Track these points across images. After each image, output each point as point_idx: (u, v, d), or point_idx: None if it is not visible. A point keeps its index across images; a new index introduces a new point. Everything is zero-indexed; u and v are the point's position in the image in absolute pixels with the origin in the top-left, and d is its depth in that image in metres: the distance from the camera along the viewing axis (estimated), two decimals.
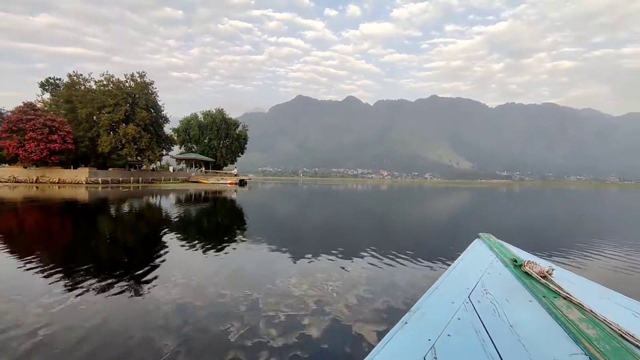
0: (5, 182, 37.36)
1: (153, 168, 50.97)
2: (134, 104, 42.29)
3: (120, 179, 40.86)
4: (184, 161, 67.31)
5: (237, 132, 74.37)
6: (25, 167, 38.32)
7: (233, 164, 76.60)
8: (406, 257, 6.39)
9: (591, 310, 1.23)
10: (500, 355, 1.04)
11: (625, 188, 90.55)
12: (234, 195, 28.08)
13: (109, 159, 46.75)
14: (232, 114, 79.21)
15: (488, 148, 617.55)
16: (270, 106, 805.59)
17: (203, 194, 29.45)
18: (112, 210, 15.41)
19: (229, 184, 49.37)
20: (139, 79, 43.40)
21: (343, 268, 5.60)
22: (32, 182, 37.17)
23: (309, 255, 6.44)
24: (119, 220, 12.42)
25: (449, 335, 1.18)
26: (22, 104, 36.92)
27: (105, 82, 41.85)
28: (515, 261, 1.82)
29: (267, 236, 8.81)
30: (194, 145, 72.07)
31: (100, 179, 38.05)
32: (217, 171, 63.30)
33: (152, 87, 44.97)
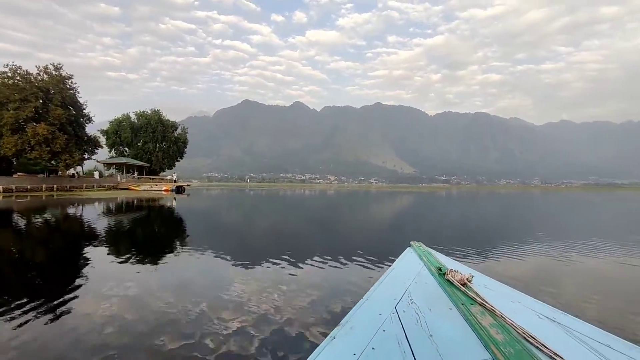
0: None
1: (73, 174, 44.93)
2: (47, 100, 36.56)
3: (29, 187, 34.95)
4: (114, 166, 60.88)
5: (176, 134, 69.06)
6: None
7: (171, 169, 70.96)
8: (354, 261, 6.36)
9: (502, 315, 1.34)
10: None
11: (546, 190, 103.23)
12: (172, 203, 25.15)
13: (24, 164, 40.30)
14: (175, 117, 74.11)
15: (429, 154, 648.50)
16: (216, 110, 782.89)
17: (135, 202, 25.97)
18: (14, 225, 12.78)
19: (164, 190, 44.93)
20: (53, 72, 37.67)
21: (290, 274, 5.47)
22: None
23: (255, 263, 6.26)
24: (26, 236, 10.24)
25: (373, 348, 1.20)
26: None
27: (10, 74, 35.74)
28: (440, 269, 1.88)
29: (212, 245, 8.34)
30: (126, 149, 65.67)
31: (1, 187, 32.11)
32: (153, 177, 57.86)
33: (71, 82, 39.37)
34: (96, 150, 45.20)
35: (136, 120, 65.82)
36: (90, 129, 46.63)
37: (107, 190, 43.37)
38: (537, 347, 1.14)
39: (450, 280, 1.71)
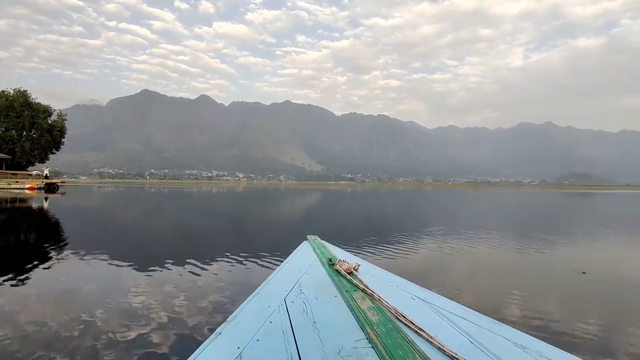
0: None
1: None
2: None
3: None
4: None
5: (50, 122, 57.05)
6: None
7: (43, 162, 58.59)
8: (258, 257, 6.12)
9: (379, 299, 1.43)
10: (299, 352, 1.12)
11: (437, 187, 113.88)
12: (43, 204, 19.13)
13: None
14: (59, 104, 62.55)
15: (336, 152, 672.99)
16: (110, 99, 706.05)
17: None
18: None
19: (28, 189, 35.93)
20: None
21: (192, 276, 4.99)
22: None
23: (155, 265, 5.60)
24: None
25: (257, 340, 1.23)
26: None
27: None
28: (331, 260, 1.94)
29: (102, 250, 6.90)
30: None
31: None
32: (16, 172, 46.44)
33: None
34: None
35: None
36: None
37: None
38: (406, 325, 1.25)
39: (338, 269, 1.79)
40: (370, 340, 1.15)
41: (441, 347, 1.11)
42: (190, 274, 5.25)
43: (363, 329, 1.23)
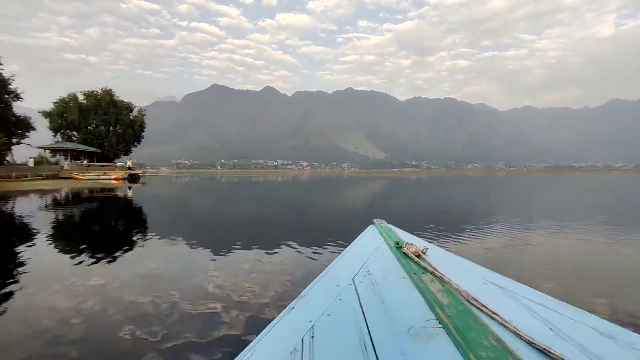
0: None
1: (1, 161, 38.28)
2: None
3: None
4: (61, 153, 53.78)
5: (132, 117, 62.18)
6: None
7: (127, 155, 64.18)
8: (325, 243, 6.23)
9: (449, 282, 1.44)
10: (368, 328, 1.17)
11: (510, 174, 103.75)
12: (127, 193, 21.58)
13: None
14: (141, 102, 67.89)
15: (400, 139, 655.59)
16: (184, 94, 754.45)
17: (79, 193, 20.76)
18: None
19: (114, 179, 39.30)
20: None
21: (262, 259, 5.29)
22: None
23: (227, 250, 5.93)
24: None
25: (328, 315, 1.30)
26: None
27: None
28: (398, 243, 1.97)
29: (179, 234, 7.53)
30: (74, 133, 58.45)
31: None
32: (105, 164, 51.35)
33: None
34: (27, 134, 38.61)
35: (85, 101, 58.56)
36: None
37: (43, 180, 37.16)
38: (478, 308, 1.24)
39: (406, 252, 1.81)
40: (440, 321, 1.16)
41: (517, 331, 1.08)
42: (260, 257, 5.52)
43: (433, 309, 1.24)
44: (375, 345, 1.08)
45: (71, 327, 3.15)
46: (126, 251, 6.29)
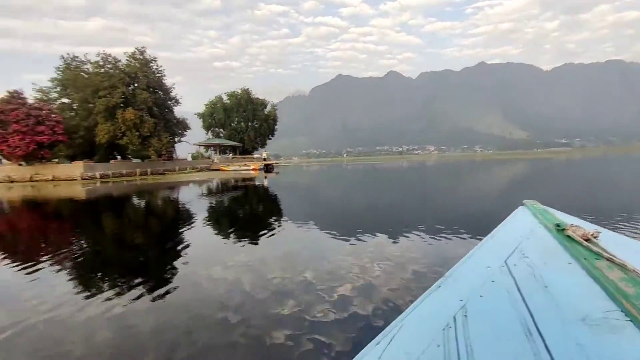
0: (0, 182, 33.54)
1: (169, 157, 45.89)
2: (133, 84, 36.71)
3: (124, 172, 35.79)
4: (211, 148, 62.18)
5: (266, 112, 67.92)
6: (20, 165, 34.23)
7: (264, 147, 70.58)
8: (458, 231, 6.13)
9: (634, 270, 1.24)
10: (531, 313, 1.08)
11: None
12: (264, 182, 24.86)
13: (132, 151, 41.76)
14: (274, 98, 73.87)
15: (544, 115, 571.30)
16: (311, 88, 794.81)
17: (225, 182, 24.96)
18: (116, 208, 14.18)
19: (252, 169, 43.40)
20: (139, 56, 37.59)
21: (392, 243, 5.47)
22: (27, 181, 33.03)
23: (355, 235, 6.15)
24: (130, 219, 11.02)
25: (481, 296, 1.23)
26: (6, 93, 32.35)
27: (101, 63, 36.46)
28: (558, 225, 1.80)
29: (311, 219, 8.23)
30: (221, 130, 66.75)
31: (97, 174, 33.08)
32: (245, 156, 57.42)
33: (155, 65, 39.12)
34: (185, 133, 45.29)
35: (228, 101, 66.17)
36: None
37: (198, 172, 43.31)
38: None
39: (571, 235, 1.61)
40: (627, 313, 1.02)
41: None
42: (389, 242, 5.66)
43: (614, 299, 1.10)
44: (541, 331, 0.99)
45: (228, 296, 3.77)
46: (266, 233, 7.03)
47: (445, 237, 5.79)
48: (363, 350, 1.07)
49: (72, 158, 39.17)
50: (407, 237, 5.97)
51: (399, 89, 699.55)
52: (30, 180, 33.11)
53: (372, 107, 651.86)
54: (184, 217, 10.44)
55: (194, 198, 16.52)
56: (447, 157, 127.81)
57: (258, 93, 68.94)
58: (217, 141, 57.20)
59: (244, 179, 27.85)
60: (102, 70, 35.92)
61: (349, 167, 51.41)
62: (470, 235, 5.83)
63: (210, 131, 67.35)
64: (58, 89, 37.26)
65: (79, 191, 23.15)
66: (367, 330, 2.84)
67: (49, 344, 2.94)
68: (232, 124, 65.80)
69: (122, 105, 35.64)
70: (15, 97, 32.02)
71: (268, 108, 68.87)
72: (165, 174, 39.05)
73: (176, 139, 43.75)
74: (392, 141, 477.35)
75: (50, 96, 37.26)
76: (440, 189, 16.19)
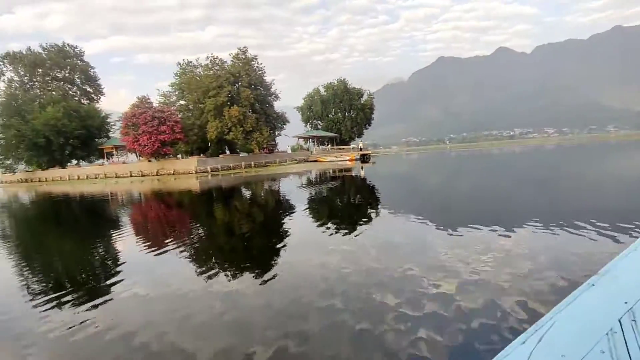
0: (135, 176, 39.14)
1: (271, 150, 48.45)
2: (237, 83, 39.35)
3: (231, 165, 38.80)
4: (310, 139, 64.10)
5: (362, 102, 67.31)
6: (149, 161, 39.45)
7: (360, 137, 70.25)
8: (584, 226, 5.32)
9: None
10: None
11: None
12: (360, 172, 24.92)
13: (240, 146, 45.31)
14: (372, 87, 73.23)
15: None
16: (410, 73, 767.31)
17: (323, 173, 25.76)
18: (228, 199, 15.42)
19: (349, 160, 43.40)
20: (242, 56, 40.12)
21: (503, 237, 5.11)
22: (154, 175, 37.95)
23: (459, 227, 5.86)
24: (239, 208, 11.78)
25: None
26: (136, 99, 37.50)
27: (210, 65, 39.85)
28: None
29: (410, 209, 8.15)
30: (319, 122, 68.25)
31: (208, 167, 36.44)
32: (342, 147, 57.87)
33: (256, 63, 41.31)
34: (284, 126, 47.13)
35: (325, 93, 67.20)
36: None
37: (297, 163, 44.89)
38: None
39: None
40: None
41: None
42: (498, 236, 5.20)
43: None
44: None
45: (330, 282, 3.89)
46: (364, 223, 7.19)
47: (577, 231, 5.11)
48: (506, 348, 1.00)
49: (191, 153, 43.83)
50: (519, 230, 5.48)
51: (509, 66, 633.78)
52: (157, 174, 37.99)
53: (478, 88, 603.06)
54: (285, 207, 10.87)
55: (293, 189, 17.27)
56: (571, 140, 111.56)
57: (355, 83, 68.68)
58: (314, 133, 58.61)
59: (340, 170, 28.00)
60: (211, 72, 39.19)
61: (452, 154, 48.88)
62: (614, 229, 5.02)
63: (308, 123, 69.42)
64: (177, 93, 41.72)
65: (193, 183, 25.86)
66: (472, 331, 2.68)
67: (179, 308, 3.55)
68: (329, 115, 66.62)
69: (228, 103, 38.50)
70: (144, 102, 36.86)
71: (364, 97, 68.13)
72: (267, 166, 41.32)
73: (276, 133, 45.77)
74: (501, 125, 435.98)
75: (171, 99, 41.98)
76: (567, 176, 14.61)
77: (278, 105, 47.71)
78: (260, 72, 42.02)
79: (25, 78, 54.32)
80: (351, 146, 54.49)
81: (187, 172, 36.03)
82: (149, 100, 37.66)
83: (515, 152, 42.07)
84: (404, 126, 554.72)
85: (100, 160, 50.78)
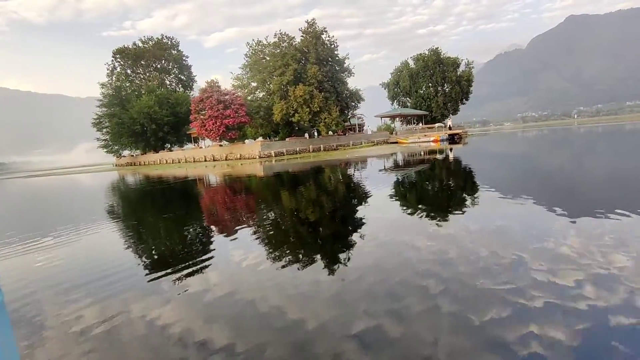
0: (208, 160, 39.55)
1: (343, 131, 44.79)
2: (304, 60, 36.42)
3: (298, 149, 36.44)
4: (398, 118, 58.60)
5: (459, 73, 58.73)
6: (220, 145, 39.40)
7: (455, 113, 61.90)
8: None
9: None
10: None
11: None
12: (449, 154, 21.16)
13: (311, 128, 43.28)
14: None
15: None
16: (530, 39, 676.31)
17: (395, 160, 21.08)
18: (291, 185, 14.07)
19: (433, 141, 37.81)
20: (309, 29, 36.90)
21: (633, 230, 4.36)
22: (224, 160, 37.72)
23: (581, 214, 5.32)
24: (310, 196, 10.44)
25: None
26: (205, 84, 37.21)
27: (278, 43, 37.57)
28: None
29: (523, 193, 7.13)
30: (407, 99, 61.94)
31: (273, 152, 34.58)
32: (429, 126, 51.32)
33: (327, 36, 37.71)
34: (358, 105, 42.94)
35: (414, 66, 60.42)
36: None
37: (373, 145, 40.70)
38: None
39: None
40: None
41: None
42: (632, 225, 4.60)
43: None
44: None
45: (432, 268, 3.68)
46: (469, 206, 6.70)
47: None
48: None
49: (265, 137, 42.90)
50: None
51: None
52: (226, 159, 37.66)
53: (619, 50, 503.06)
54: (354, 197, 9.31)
55: (339, 183, 13.37)
56: None
57: (464, 54, 60.32)
58: (398, 111, 53.06)
59: (421, 154, 23.62)
60: (278, 50, 36.90)
61: (581, 130, 40.67)
62: None
63: (395, 101, 63.65)
64: (248, 74, 40.59)
65: (257, 169, 24.25)
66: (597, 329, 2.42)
67: (252, 285, 3.74)
68: (420, 91, 59.88)
69: (294, 82, 35.94)
70: (212, 86, 36.40)
71: (462, 68, 59.46)
72: (338, 149, 38.04)
73: (348, 113, 41.98)
74: None
75: (244, 82, 41.09)
76: None
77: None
78: (332, 45, 38.34)
79: (129, 70, 59.63)
80: (436, 125, 47.64)
81: (251, 157, 34.80)
82: (217, 84, 37.11)
83: None
84: (521, 100, 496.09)
85: (190, 145, 53.36)
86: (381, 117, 54.41)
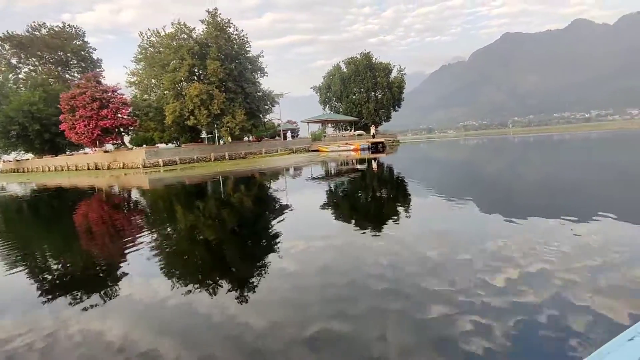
0: (90, 169, 33.12)
1: (258, 137, 40.24)
2: (203, 55, 31.35)
3: (196, 157, 31.20)
4: (329, 125, 55.00)
5: (390, 79, 56.44)
6: (106, 152, 33.16)
7: (388, 120, 59.66)
8: None
9: None
10: None
11: None
12: (362, 167, 18.51)
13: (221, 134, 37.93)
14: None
15: None
16: (470, 53, 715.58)
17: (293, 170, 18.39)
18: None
19: (353, 150, 34.36)
20: (210, 20, 31.89)
21: (572, 231, 4.42)
22: (106, 169, 31.57)
23: (519, 216, 5.32)
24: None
25: None
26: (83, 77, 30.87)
27: (176, 34, 32.16)
28: None
29: (463, 197, 7.24)
30: (340, 104, 58.68)
31: (161, 160, 29.07)
32: (352, 134, 48.02)
33: (235, 30, 32.94)
34: (272, 108, 38.52)
35: (345, 70, 57.35)
36: None
37: (290, 154, 36.45)
38: None
39: None
40: None
41: None
42: (565, 228, 4.68)
43: None
44: None
45: (384, 269, 3.58)
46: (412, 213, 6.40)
47: None
48: (608, 344, 0.90)
49: (168, 142, 37.19)
50: (591, 222, 4.79)
51: (588, 40, 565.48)
52: (108, 168, 31.56)
53: (549, 67, 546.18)
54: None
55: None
56: None
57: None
58: (326, 117, 49.35)
59: (334, 164, 19.95)
60: (174, 42, 31.53)
61: (516, 139, 40.10)
62: None
63: (327, 106, 60.34)
64: (145, 70, 34.72)
65: (139, 180, 19.60)
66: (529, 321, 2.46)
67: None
68: (352, 96, 56.81)
69: (190, 80, 30.78)
70: (90, 81, 30.20)
71: (393, 74, 57.24)
72: (246, 157, 33.34)
73: (261, 117, 37.41)
74: (575, 107, 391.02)
75: (141, 78, 35.12)
76: None
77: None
78: (240, 40, 33.63)
79: (14, 60, 50.73)
80: (356, 133, 44.52)
81: (135, 167, 29.04)
82: (98, 79, 30.96)
83: (591, 137, 31.74)
84: (463, 109, 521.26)
85: (89, 150, 45.95)
86: (307, 123, 50.37)
